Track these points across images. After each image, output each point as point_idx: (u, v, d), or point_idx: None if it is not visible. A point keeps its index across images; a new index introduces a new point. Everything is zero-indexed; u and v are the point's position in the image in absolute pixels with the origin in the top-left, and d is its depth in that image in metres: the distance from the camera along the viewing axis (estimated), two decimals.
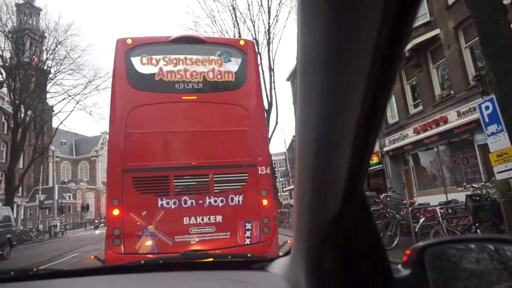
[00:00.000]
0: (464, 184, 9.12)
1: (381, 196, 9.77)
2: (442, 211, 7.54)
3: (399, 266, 0.79)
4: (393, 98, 17.35)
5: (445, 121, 13.33)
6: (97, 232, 28.89)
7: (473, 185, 8.10)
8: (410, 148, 15.66)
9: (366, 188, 18.12)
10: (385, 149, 17.56)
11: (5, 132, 31.28)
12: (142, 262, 1.24)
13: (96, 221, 41.47)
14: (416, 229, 7.43)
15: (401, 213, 8.54)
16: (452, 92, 13.24)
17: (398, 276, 0.76)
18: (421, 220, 7.57)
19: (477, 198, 6.80)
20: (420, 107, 15.18)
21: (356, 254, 0.70)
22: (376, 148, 18.79)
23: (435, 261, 0.82)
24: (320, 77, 0.54)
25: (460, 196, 8.71)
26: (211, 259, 1.46)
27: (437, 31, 13.67)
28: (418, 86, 15.43)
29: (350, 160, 0.60)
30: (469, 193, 7.43)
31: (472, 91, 11.62)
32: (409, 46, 14.65)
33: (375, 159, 18.55)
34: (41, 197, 34.96)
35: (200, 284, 0.97)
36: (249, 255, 1.28)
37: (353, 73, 0.51)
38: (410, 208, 8.29)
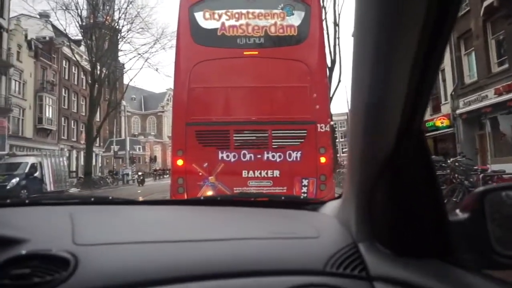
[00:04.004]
0: None
1: (448, 161, 9.15)
2: None
3: (457, 211, 0.76)
4: (472, 55, 15.59)
5: None
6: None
7: None
8: (489, 111, 14.15)
9: (432, 152, 17.05)
10: (458, 111, 16.09)
11: (84, 88, 34.25)
12: (202, 197, 1.36)
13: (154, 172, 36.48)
14: None
15: (471, 179, 7.97)
16: None
17: (455, 220, 0.73)
18: None
19: None
20: (506, 65, 13.46)
21: (408, 194, 0.68)
22: (448, 110, 17.31)
23: (496, 207, 0.76)
24: (377, 13, 0.55)
25: None
26: (266, 199, 1.53)
27: None
28: (505, 41, 13.61)
29: (406, 98, 0.59)
30: None
31: None
32: None
33: (445, 122, 17.17)
34: (115, 148, 38.47)
35: (254, 217, 1.03)
36: (302, 197, 1.33)
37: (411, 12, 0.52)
38: (482, 175, 7.68)
